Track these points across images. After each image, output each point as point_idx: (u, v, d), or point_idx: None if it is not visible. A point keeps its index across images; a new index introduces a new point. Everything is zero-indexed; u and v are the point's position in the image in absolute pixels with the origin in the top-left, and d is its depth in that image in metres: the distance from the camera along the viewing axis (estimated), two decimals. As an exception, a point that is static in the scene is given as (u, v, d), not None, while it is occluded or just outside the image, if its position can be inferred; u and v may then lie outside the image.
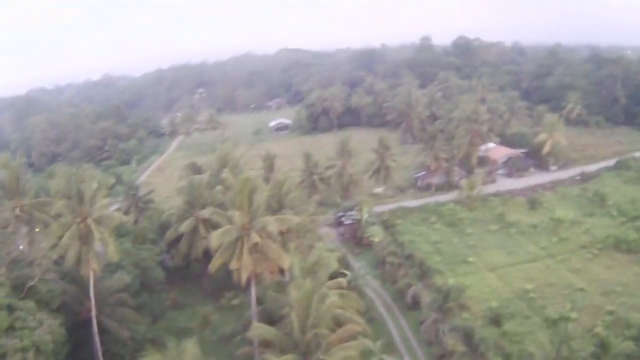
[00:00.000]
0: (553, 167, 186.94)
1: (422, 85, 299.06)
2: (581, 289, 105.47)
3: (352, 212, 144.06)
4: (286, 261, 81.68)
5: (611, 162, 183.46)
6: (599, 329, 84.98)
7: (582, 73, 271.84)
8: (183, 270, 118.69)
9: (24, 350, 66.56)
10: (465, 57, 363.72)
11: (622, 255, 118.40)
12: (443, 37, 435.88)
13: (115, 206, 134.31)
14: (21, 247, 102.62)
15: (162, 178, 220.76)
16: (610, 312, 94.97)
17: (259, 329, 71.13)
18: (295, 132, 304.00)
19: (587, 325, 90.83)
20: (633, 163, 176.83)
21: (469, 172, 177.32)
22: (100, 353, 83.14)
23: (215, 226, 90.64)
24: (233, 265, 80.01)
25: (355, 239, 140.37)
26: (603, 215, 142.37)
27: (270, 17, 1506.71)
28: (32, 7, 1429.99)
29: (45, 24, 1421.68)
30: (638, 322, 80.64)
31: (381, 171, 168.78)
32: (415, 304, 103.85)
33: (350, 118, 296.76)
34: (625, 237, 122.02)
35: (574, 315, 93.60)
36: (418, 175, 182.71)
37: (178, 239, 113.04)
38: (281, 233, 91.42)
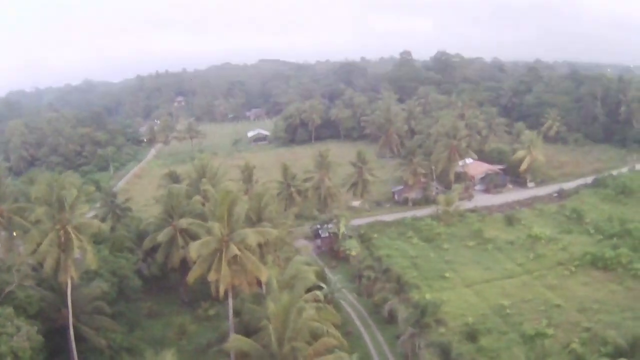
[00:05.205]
0: (531, 184, 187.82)
1: (402, 100, 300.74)
2: (558, 306, 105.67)
3: (329, 225, 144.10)
4: (264, 274, 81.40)
5: (589, 180, 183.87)
6: (575, 346, 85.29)
7: (561, 90, 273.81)
8: (160, 280, 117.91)
9: (1, 356, 66.05)
10: (445, 72, 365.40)
11: (598, 273, 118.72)
12: (423, 52, 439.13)
13: (92, 213, 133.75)
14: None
15: (140, 186, 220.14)
16: (587, 329, 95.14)
17: (236, 341, 70.87)
18: (273, 143, 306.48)
19: (564, 341, 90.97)
20: (611, 181, 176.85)
21: (447, 187, 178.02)
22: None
23: (193, 236, 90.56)
24: (211, 276, 79.70)
25: (332, 252, 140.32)
26: (580, 233, 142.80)
27: (250, 27, 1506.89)
28: (13, 8, 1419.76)
29: (26, 26, 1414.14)
30: (614, 339, 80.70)
31: (359, 185, 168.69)
32: (391, 319, 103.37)
33: (328, 131, 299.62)
34: (602, 255, 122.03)
35: (550, 331, 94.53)
36: (395, 189, 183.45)
37: (155, 248, 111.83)
38: (259, 245, 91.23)
